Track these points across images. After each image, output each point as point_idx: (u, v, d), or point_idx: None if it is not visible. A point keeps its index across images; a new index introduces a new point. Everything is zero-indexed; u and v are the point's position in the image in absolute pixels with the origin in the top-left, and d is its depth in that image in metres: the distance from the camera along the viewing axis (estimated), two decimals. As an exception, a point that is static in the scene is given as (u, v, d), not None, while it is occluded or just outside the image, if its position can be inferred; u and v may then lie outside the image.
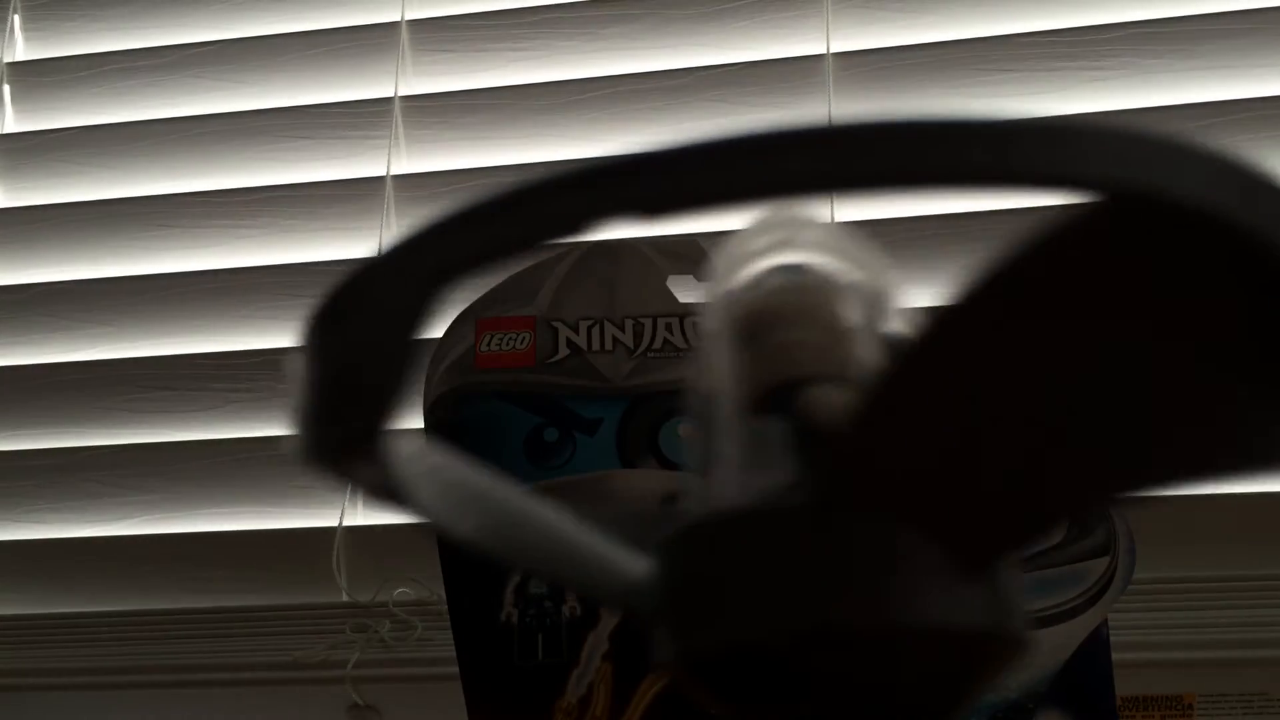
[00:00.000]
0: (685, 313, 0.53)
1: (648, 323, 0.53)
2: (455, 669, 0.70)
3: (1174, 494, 0.60)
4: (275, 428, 0.80)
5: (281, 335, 0.82)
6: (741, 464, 0.26)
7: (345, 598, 0.75)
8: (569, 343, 0.53)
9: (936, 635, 0.24)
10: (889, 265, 0.29)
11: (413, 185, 0.83)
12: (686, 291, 0.53)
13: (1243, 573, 0.67)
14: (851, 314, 0.28)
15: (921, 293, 0.74)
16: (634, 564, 0.26)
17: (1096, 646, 0.48)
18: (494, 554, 0.27)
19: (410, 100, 0.85)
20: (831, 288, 0.29)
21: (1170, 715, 0.66)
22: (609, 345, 0.53)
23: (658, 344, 0.53)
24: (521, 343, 0.53)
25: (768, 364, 0.27)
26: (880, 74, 0.79)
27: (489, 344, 0.53)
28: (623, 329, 0.53)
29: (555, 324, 0.54)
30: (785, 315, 0.28)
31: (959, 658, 0.24)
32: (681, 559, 0.25)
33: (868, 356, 0.27)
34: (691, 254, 0.54)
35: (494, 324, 0.54)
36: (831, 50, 0.80)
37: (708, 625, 0.24)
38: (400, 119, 0.85)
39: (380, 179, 0.83)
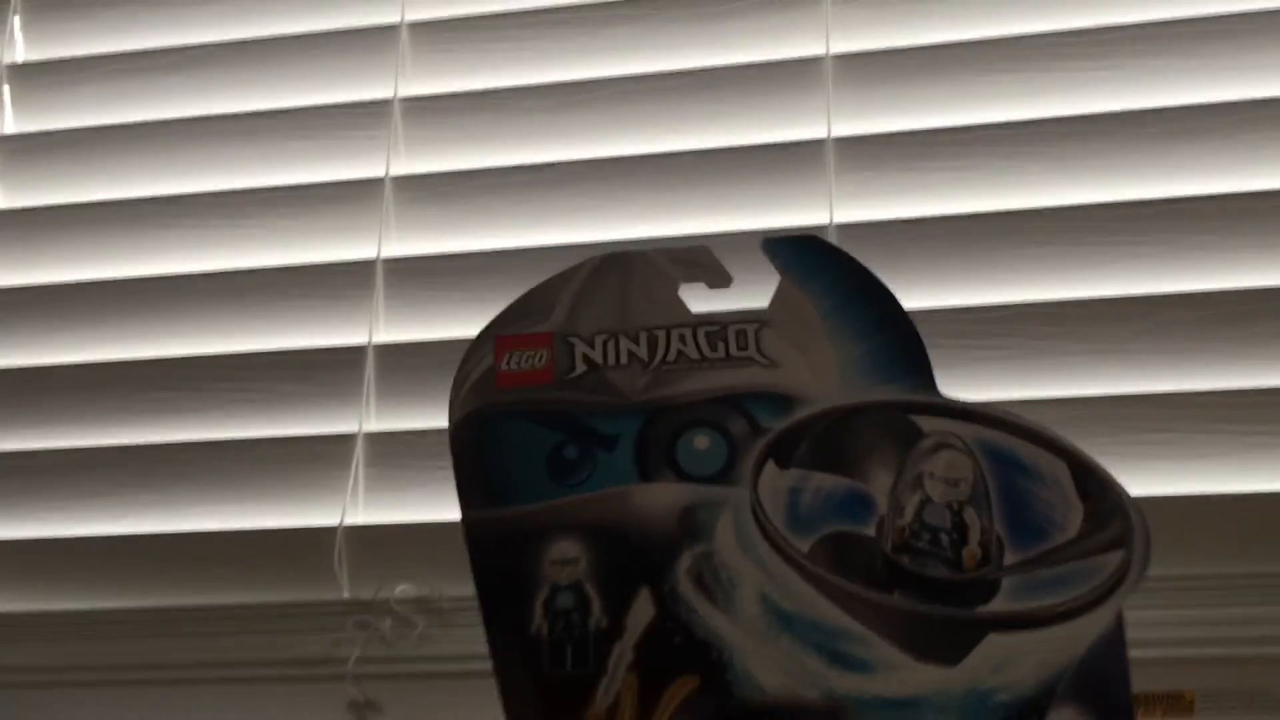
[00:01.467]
0: (698, 323, 0.54)
1: (661, 335, 0.53)
2: (456, 666, 0.72)
3: (1173, 494, 0.61)
4: (276, 427, 0.80)
5: (280, 336, 0.83)
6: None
7: (346, 595, 0.75)
8: (585, 358, 0.53)
9: None
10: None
11: (412, 186, 0.83)
12: (699, 300, 0.54)
13: (1242, 570, 0.67)
14: None
15: (927, 295, 0.74)
16: None
17: (1112, 641, 0.49)
18: None
19: (410, 101, 0.85)
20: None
21: (1171, 712, 0.66)
22: (624, 359, 0.53)
23: (672, 356, 0.53)
24: (540, 360, 0.53)
25: None
26: (880, 75, 0.79)
27: (509, 362, 0.53)
28: (637, 342, 0.53)
29: (571, 339, 0.54)
30: None
31: None
32: None
33: None
34: (704, 261, 0.54)
35: (513, 342, 0.54)
36: (831, 52, 0.80)
37: None
38: (400, 120, 0.85)
39: (379, 180, 0.83)
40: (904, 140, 0.78)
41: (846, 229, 0.76)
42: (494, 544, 0.52)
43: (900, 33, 0.81)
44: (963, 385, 0.70)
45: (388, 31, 0.87)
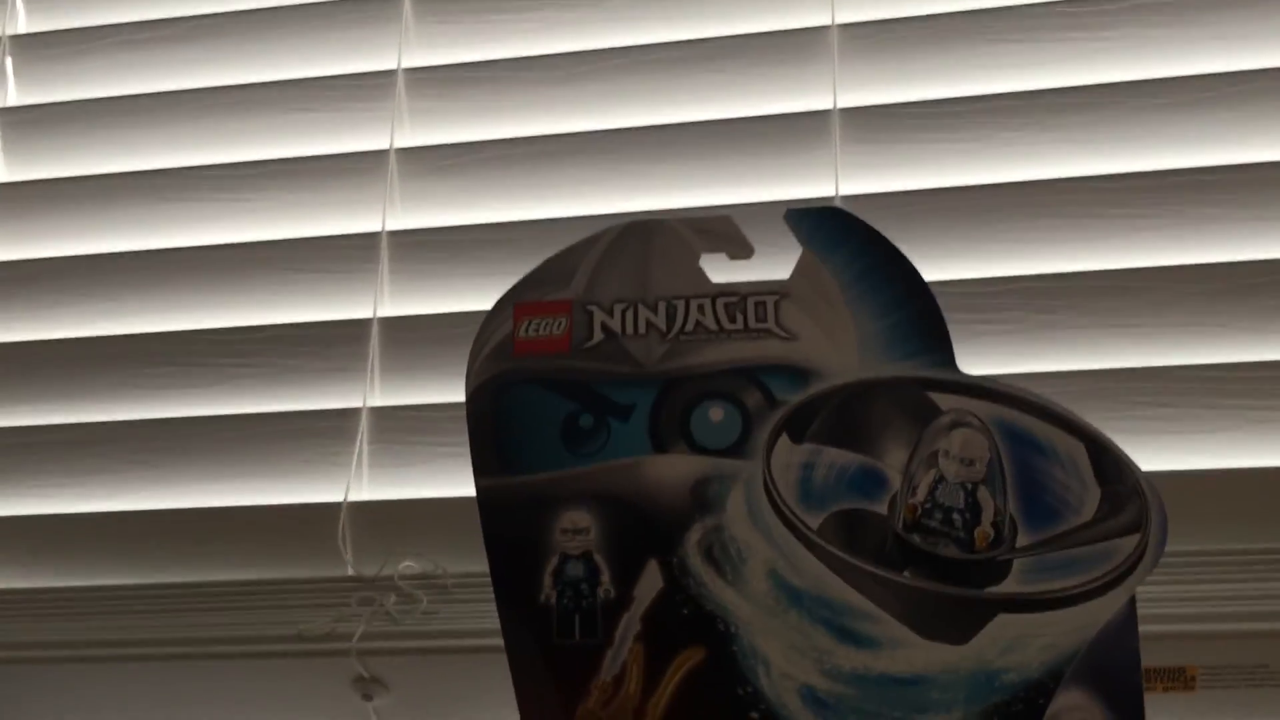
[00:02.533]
0: (717, 294, 0.54)
1: (680, 304, 0.53)
2: (461, 642, 0.71)
3: (1176, 469, 0.61)
4: (280, 402, 0.80)
5: (285, 310, 0.82)
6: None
7: (350, 571, 0.75)
8: (603, 326, 0.53)
9: None
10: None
11: (416, 159, 0.83)
12: (720, 270, 0.53)
13: (1244, 546, 0.67)
14: None
15: (932, 268, 0.74)
16: None
17: (1124, 626, 0.49)
18: None
19: (414, 72, 0.85)
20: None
21: (1172, 687, 0.66)
22: (642, 329, 0.53)
23: (690, 326, 0.53)
24: (558, 327, 0.53)
25: None
26: (886, 45, 0.79)
27: (527, 329, 0.53)
28: (655, 311, 0.53)
29: (590, 307, 0.54)
30: None
31: None
32: None
33: None
34: (725, 231, 0.54)
35: (532, 309, 0.54)
36: (837, 21, 0.80)
37: None
38: (403, 91, 0.85)
39: (384, 152, 0.83)
40: (910, 111, 0.77)
41: (852, 200, 0.76)
42: (506, 511, 0.52)
43: (907, 1, 0.80)
44: (966, 358, 0.70)
45: (390, 0, 0.87)
